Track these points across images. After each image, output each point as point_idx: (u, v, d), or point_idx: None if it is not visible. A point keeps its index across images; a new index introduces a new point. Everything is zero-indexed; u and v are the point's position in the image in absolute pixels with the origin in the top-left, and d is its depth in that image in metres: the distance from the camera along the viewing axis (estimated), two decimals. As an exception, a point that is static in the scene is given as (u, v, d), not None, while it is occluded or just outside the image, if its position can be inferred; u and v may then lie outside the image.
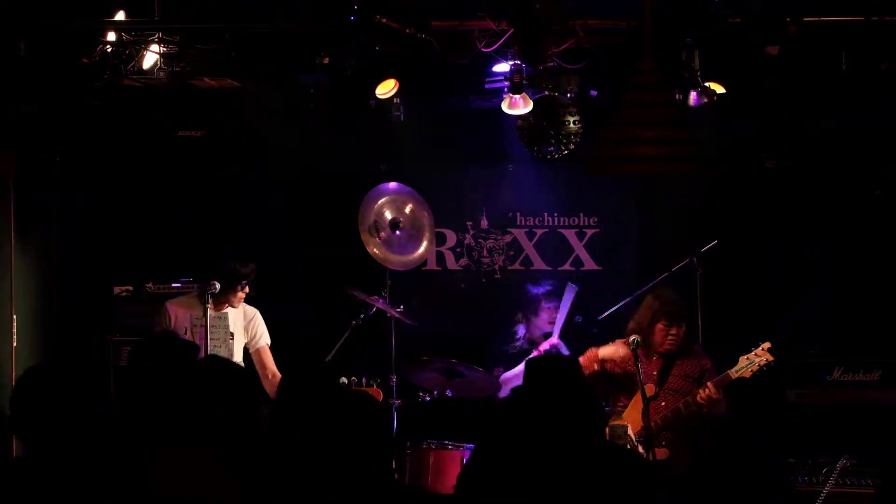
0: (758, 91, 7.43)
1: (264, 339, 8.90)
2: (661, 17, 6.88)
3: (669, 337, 8.46)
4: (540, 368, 5.10)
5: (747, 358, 8.26)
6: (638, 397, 8.17)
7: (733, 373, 8.26)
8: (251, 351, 8.89)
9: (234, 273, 8.60)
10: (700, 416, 8.31)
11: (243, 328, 8.84)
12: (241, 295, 8.71)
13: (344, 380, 8.45)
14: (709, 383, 8.26)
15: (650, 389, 8.28)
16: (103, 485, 4.47)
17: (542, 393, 4.85)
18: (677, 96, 8.33)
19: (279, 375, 8.52)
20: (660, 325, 8.46)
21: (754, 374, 8.26)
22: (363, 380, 8.58)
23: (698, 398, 8.22)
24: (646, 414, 8.00)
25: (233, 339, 8.75)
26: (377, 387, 8.55)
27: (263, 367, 8.84)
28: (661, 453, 8.18)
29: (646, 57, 5.38)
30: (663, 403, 8.38)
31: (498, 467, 4.80)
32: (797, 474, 8.47)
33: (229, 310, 8.73)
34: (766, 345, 8.31)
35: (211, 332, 8.42)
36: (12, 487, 4.46)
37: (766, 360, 8.25)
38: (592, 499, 4.60)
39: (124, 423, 4.95)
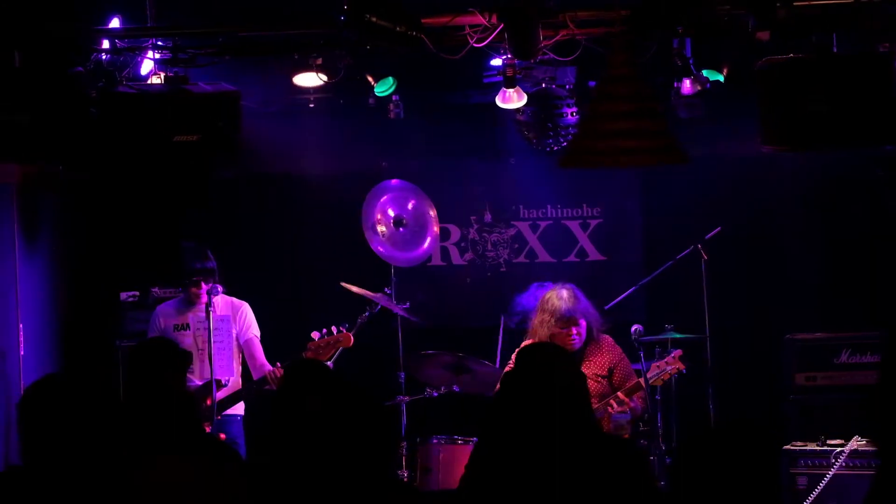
0: (752, 76, 7.38)
1: (252, 330, 8.94)
2: (650, 5, 6.89)
3: (570, 338, 8.33)
4: (524, 358, 5.03)
5: (658, 366, 8.22)
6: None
7: (643, 381, 8.19)
8: (241, 342, 8.94)
9: (182, 269, 8.76)
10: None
11: (231, 321, 8.90)
12: (196, 291, 8.81)
13: (315, 333, 8.51)
14: (618, 393, 8.22)
15: None
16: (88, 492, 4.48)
17: (525, 383, 4.80)
18: (675, 84, 8.36)
19: (268, 367, 8.61)
20: (556, 331, 8.34)
21: (665, 382, 8.27)
22: (332, 329, 8.58)
23: (609, 410, 8.14)
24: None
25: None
26: (347, 331, 8.57)
27: (252, 358, 8.90)
28: None
29: (616, 49, 5.38)
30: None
31: (497, 462, 4.78)
32: (806, 458, 8.47)
33: (219, 307, 8.77)
34: (678, 353, 8.28)
35: (214, 335, 8.46)
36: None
37: (678, 368, 8.22)
38: (590, 491, 4.62)
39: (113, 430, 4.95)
